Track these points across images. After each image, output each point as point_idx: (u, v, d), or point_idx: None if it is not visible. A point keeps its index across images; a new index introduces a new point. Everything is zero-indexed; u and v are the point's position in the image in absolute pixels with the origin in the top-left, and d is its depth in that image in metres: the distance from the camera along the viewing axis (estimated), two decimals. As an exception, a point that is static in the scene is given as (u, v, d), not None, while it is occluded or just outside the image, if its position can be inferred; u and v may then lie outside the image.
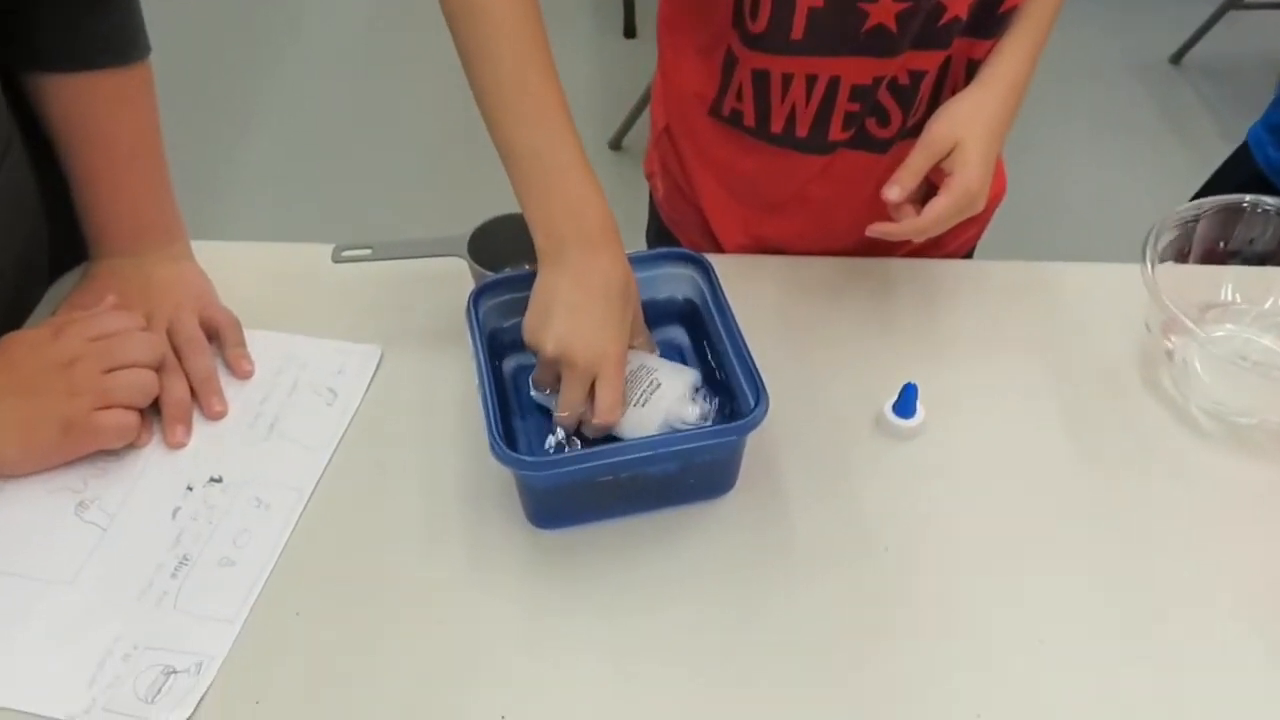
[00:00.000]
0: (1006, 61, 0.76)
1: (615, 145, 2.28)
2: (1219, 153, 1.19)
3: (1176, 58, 2.53)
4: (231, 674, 0.61)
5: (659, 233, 1.02)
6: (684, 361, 0.75)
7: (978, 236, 0.98)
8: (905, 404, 0.73)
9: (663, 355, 0.74)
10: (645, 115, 2.20)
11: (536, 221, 0.66)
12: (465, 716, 0.60)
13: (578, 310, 0.64)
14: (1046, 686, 0.61)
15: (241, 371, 0.77)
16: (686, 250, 0.74)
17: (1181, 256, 0.81)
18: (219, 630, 0.63)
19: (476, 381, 0.65)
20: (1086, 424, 0.75)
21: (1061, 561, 0.67)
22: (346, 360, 0.79)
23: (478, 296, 0.71)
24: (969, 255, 1.00)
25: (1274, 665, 0.62)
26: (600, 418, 0.65)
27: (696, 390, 0.68)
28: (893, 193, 0.74)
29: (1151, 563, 0.67)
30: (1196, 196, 1.39)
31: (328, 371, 0.78)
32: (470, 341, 0.68)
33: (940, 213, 0.73)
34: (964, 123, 0.74)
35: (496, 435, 0.62)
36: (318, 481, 0.71)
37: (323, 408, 0.76)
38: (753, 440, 0.66)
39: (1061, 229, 2.02)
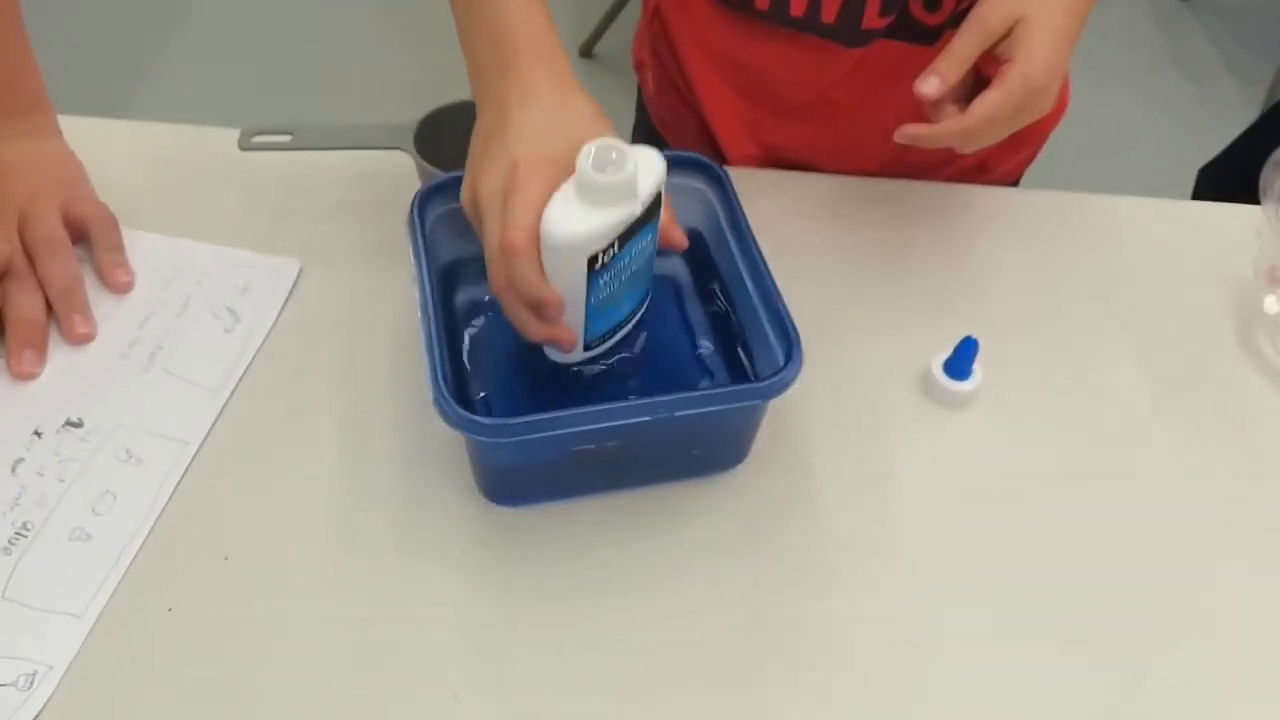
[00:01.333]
0: None
1: (586, 52, 2.08)
2: (1228, 91, 1.04)
3: (1186, -8, 2.38)
4: (76, 690, 0.46)
5: (648, 137, 0.86)
6: (683, 306, 0.59)
7: (1030, 160, 0.83)
8: (960, 362, 0.58)
9: (658, 298, 0.58)
10: (624, 17, 2.00)
11: (469, 63, 0.52)
12: (389, 756, 0.45)
13: (489, 139, 0.49)
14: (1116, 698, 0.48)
15: (117, 283, 0.60)
16: (694, 154, 0.58)
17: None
18: (63, 629, 0.47)
19: (419, 312, 0.49)
20: (1169, 394, 0.61)
21: (1136, 555, 0.53)
22: (254, 276, 0.62)
23: (424, 200, 0.54)
24: (1016, 184, 0.85)
25: None
26: (498, 251, 0.47)
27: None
28: (929, 85, 0.55)
29: (1242, 554, 0.54)
30: (1250, 133, 1.26)
31: (229, 289, 0.61)
32: (413, 260, 0.52)
33: (992, 110, 0.55)
34: None
35: (442, 387, 0.46)
36: (209, 430, 0.55)
37: (220, 335, 0.59)
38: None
39: (1070, 162, 1.88)
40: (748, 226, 0.54)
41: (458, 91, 0.60)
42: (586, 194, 0.45)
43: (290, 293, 0.61)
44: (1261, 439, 0.59)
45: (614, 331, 0.54)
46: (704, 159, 0.57)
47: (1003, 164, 0.79)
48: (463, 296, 0.59)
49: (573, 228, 0.45)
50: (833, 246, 0.67)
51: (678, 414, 0.47)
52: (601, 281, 0.48)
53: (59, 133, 0.64)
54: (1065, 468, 0.57)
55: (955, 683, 0.49)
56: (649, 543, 0.52)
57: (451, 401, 0.45)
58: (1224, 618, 0.52)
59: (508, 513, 0.53)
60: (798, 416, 0.57)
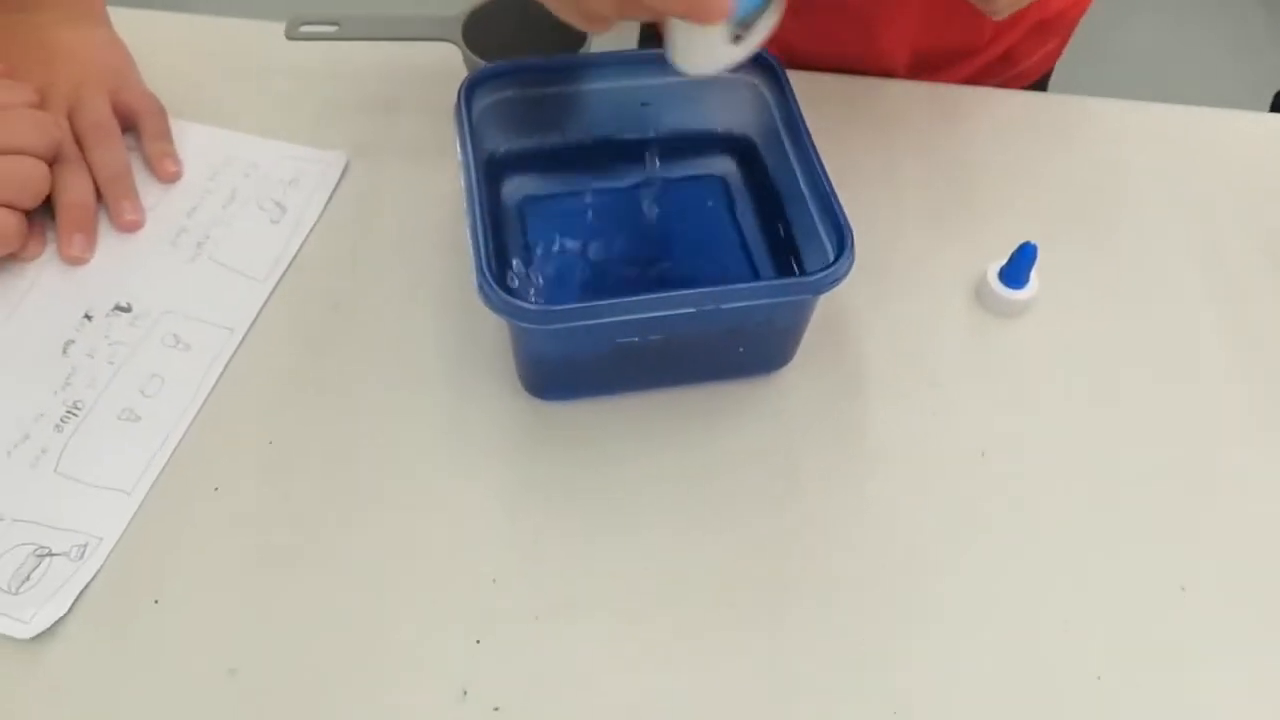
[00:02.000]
0: None
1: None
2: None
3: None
4: (125, 562, 0.47)
5: (645, 34, 0.83)
6: (733, 207, 0.58)
7: (1057, 52, 0.79)
8: (1017, 269, 0.56)
9: (707, 200, 0.57)
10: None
11: None
12: (430, 630, 0.45)
13: None
14: (1187, 646, 0.47)
15: (165, 172, 0.60)
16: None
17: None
18: (112, 504, 0.48)
19: (464, 199, 0.48)
20: (1237, 315, 0.59)
21: (1206, 487, 0.52)
22: (302, 169, 0.62)
23: (470, 90, 0.53)
24: (1044, 83, 0.81)
25: None
26: None
27: None
28: None
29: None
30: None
31: (277, 181, 0.61)
32: (458, 148, 0.51)
33: None
34: None
35: (486, 271, 0.45)
36: (254, 319, 0.55)
37: (267, 226, 0.59)
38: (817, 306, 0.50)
39: (1113, 73, 1.80)
40: (803, 121, 0.53)
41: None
42: None
43: (337, 185, 0.61)
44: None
45: (759, 12, 0.46)
46: (763, 52, 0.55)
47: (1029, 56, 0.76)
48: (510, 189, 0.58)
49: None
50: (875, 150, 0.64)
51: (724, 306, 0.46)
52: None
53: (108, 20, 0.64)
54: (1121, 386, 0.55)
55: (984, 597, 0.48)
56: (690, 442, 0.52)
57: (494, 284, 0.45)
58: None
59: (550, 407, 0.53)
60: (846, 321, 0.56)
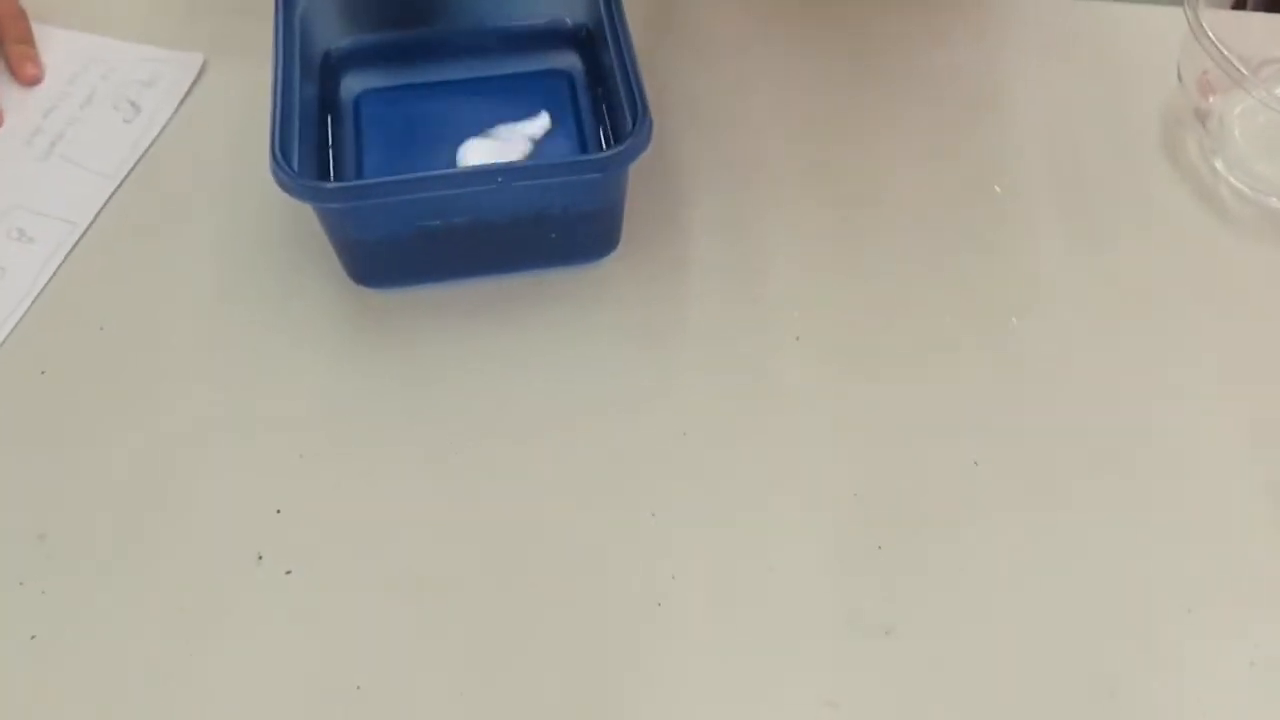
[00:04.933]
0: None
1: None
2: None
3: None
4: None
5: None
6: (575, 101, 0.58)
7: None
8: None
9: (549, 86, 0.57)
10: None
11: None
12: (234, 500, 0.47)
13: None
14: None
15: (25, 75, 0.61)
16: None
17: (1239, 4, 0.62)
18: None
19: (270, 93, 0.49)
20: (1084, 194, 0.58)
21: (1028, 349, 0.52)
22: (159, 70, 0.63)
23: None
24: None
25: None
26: None
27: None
28: None
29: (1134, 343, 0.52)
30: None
31: (134, 82, 0.62)
32: (275, 33, 0.51)
33: None
34: None
35: (278, 154, 0.46)
36: (95, 215, 0.57)
37: (120, 125, 0.60)
38: (658, 197, 0.51)
39: None
40: (619, 10, 0.53)
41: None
42: None
43: (192, 86, 0.62)
44: (1169, 241, 0.57)
45: None
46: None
47: None
48: (348, 85, 0.59)
49: None
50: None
51: (514, 184, 0.47)
52: None
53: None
54: (966, 283, 0.56)
55: (808, 493, 0.49)
56: (511, 331, 0.53)
57: (284, 166, 0.46)
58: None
59: (374, 295, 0.54)
60: (683, 210, 0.57)
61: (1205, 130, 0.59)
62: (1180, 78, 0.59)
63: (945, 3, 0.68)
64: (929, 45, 0.65)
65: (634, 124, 0.48)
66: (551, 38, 0.60)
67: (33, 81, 0.62)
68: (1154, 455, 0.49)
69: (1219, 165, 0.59)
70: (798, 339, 0.53)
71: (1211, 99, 0.58)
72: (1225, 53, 0.54)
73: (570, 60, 0.60)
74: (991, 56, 0.65)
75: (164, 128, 0.60)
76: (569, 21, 0.59)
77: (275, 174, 0.46)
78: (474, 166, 0.46)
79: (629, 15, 0.53)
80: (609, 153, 0.47)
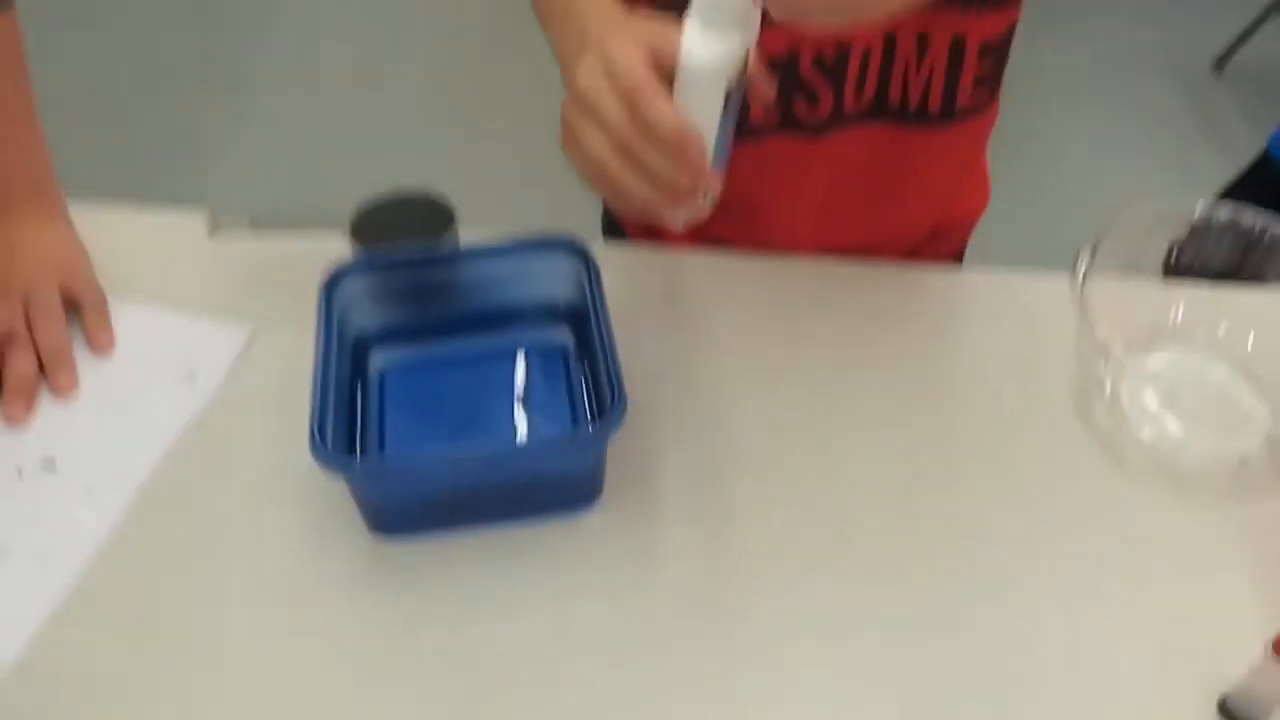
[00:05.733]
0: None
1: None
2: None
3: (1220, 63, 2.40)
4: None
5: (609, 226, 0.97)
6: (568, 370, 0.68)
7: (959, 252, 0.92)
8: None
9: (545, 359, 0.67)
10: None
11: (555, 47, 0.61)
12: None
13: (571, 62, 0.52)
14: None
15: (99, 344, 0.73)
16: (570, 239, 0.67)
17: (1133, 270, 0.72)
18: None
19: (311, 375, 0.60)
20: (1005, 456, 0.68)
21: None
22: (211, 340, 0.74)
23: (333, 280, 0.65)
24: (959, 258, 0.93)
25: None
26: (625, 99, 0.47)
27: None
28: None
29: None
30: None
31: (191, 350, 0.73)
32: (317, 326, 0.62)
33: None
34: None
35: (317, 430, 0.56)
36: (152, 472, 0.66)
37: (179, 388, 0.71)
38: (631, 451, 0.60)
39: (1078, 226, 1.92)
40: (600, 298, 0.63)
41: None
42: (710, 19, 0.46)
43: (239, 355, 0.73)
44: (1078, 502, 0.65)
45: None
46: (578, 244, 0.67)
47: (930, 257, 0.86)
48: (376, 362, 0.69)
49: (711, 50, 0.46)
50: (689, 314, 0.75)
51: (514, 463, 0.56)
52: (729, 116, 0.49)
53: (67, 218, 0.77)
54: (910, 518, 0.64)
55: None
56: (509, 576, 0.61)
57: (321, 442, 0.55)
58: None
59: (390, 544, 0.62)
60: (651, 461, 0.66)
61: (1104, 393, 0.69)
62: (1079, 350, 0.70)
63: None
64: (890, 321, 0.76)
65: (612, 400, 0.57)
66: (547, 314, 0.70)
67: (106, 351, 0.73)
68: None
69: (1117, 423, 0.68)
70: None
71: (1104, 366, 0.68)
72: (1094, 329, 0.63)
73: (563, 334, 0.70)
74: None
75: (216, 392, 0.71)
76: (561, 303, 0.70)
77: (314, 452, 0.56)
78: (480, 448, 0.55)
79: (615, 289, 0.64)
80: (589, 434, 0.56)
